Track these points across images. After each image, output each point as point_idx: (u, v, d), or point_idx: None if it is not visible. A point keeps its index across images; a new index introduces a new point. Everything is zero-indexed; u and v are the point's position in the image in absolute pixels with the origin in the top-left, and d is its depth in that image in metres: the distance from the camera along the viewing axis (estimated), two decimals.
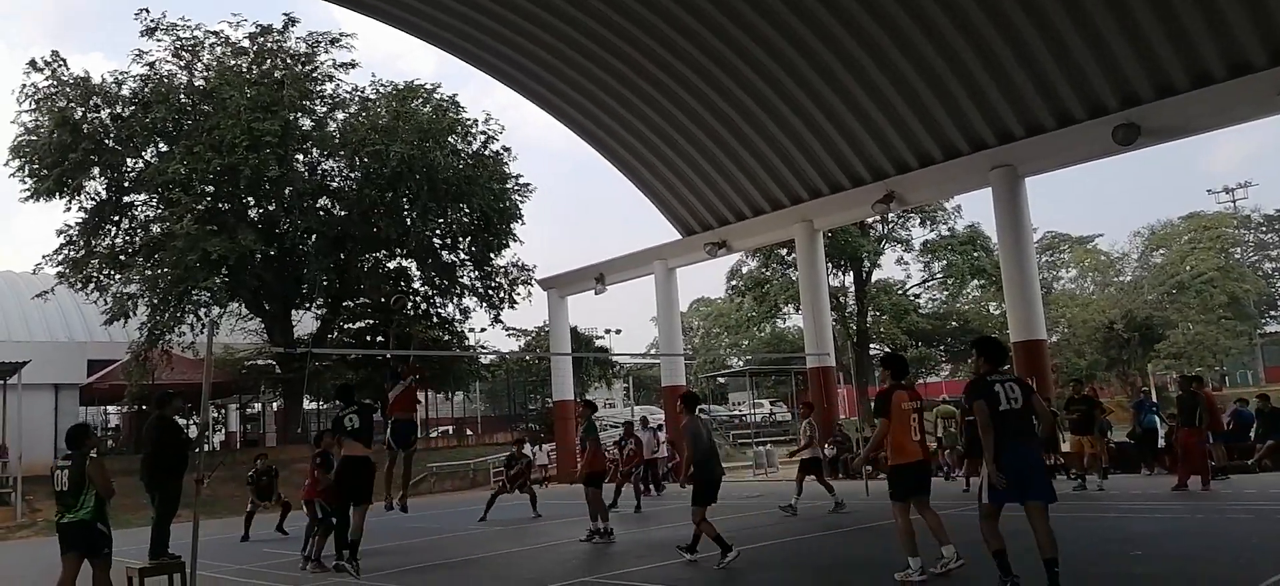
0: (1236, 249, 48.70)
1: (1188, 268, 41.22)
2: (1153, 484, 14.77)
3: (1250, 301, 45.32)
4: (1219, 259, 42.21)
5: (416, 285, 34.39)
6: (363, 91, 31.43)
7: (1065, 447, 16.12)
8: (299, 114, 29.35)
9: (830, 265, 33.91)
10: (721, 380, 52.31)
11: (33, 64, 27.54)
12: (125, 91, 28.22)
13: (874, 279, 40.41)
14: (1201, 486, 13.26)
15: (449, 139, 30.54)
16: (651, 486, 19.92)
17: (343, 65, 30.43)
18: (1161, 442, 16.57)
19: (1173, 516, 10.85)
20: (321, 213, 30.56)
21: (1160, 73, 16.57)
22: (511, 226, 32.54)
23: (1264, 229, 53.07)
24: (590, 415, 13.20)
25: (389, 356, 32.44)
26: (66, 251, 28.81)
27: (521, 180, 32.96)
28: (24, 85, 27.81)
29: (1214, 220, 46.29)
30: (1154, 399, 22.10)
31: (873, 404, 8.33)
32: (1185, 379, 14.96)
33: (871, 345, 42.03)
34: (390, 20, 22.78)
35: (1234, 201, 51.53)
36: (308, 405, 35.46)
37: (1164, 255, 43.99)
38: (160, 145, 28.44)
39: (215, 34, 29.26)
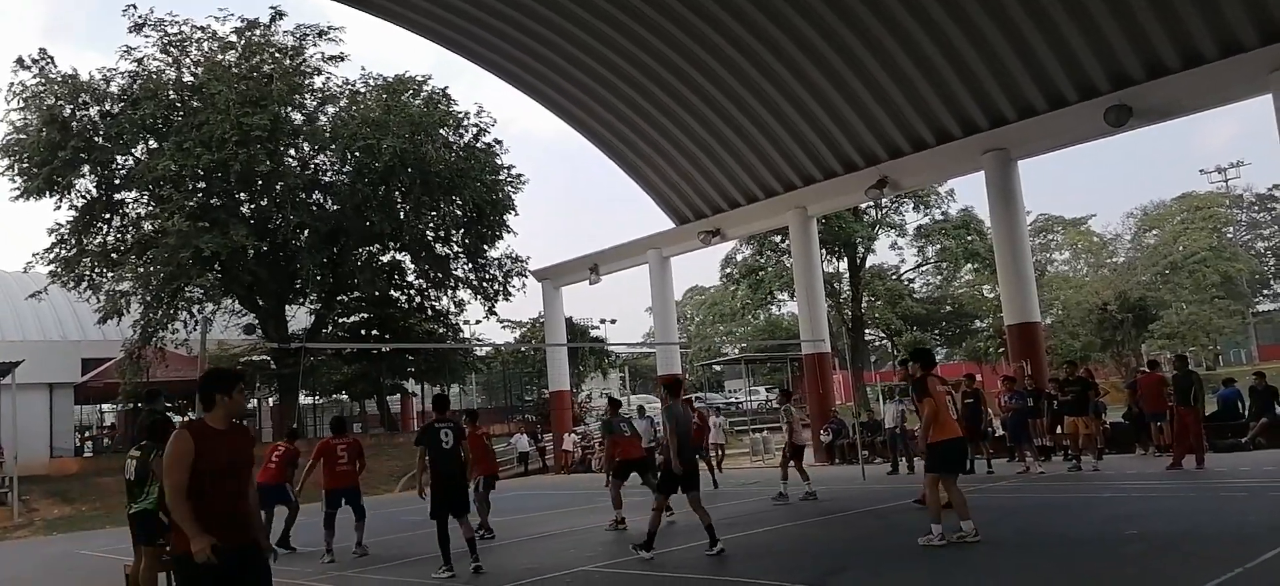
0: (1229, 228, 48.84)
1: (1180, 248, 41.33)
2: (1148, 463, 14.82)
3: (1243, 280, 45.51)
4: (1211, 238, 42.33)
5: (411, 278, 34.37)
6: (353, 85, 31.34)
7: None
8: (289, 108, 29.24)
9: (824, 251, 33.91)
10: (717, 368, 52.36)
11: (20, 62, 27.41)
12: (114, 88, 28.09)
13: (868, 264, 40.44)
14: (1196, 465, 13.31)
15: (440, 131, 30.46)
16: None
17: (332, 58, 30.33)
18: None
19: (1168, 495, 10.89)
20: (314, 207, 30.47)
21: (1151, 53, 16.56)
22: (505, 218, 32.54)
23: (1256, 208, 53.21)
24: (613, 412, 13.75)
25: (385, 350, 32.70)
26: (58, 250, 28.71)
27: (514, 172, 32.97)
28: (12, 84, 27.73)
29: (1206, 200, 46.39)
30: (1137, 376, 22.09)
31: (912, 390, 8.98)
32: (1180, 359, 14.99)
33: (866, 330, 42.10)
34: (379, 11, 22.65)
35: (1226, 181, 51.69)
36: (304, 400, 35.43)
37: (1157, 236, 44.09)
38: (150, 142, 28.32)
39: (202, 29, 29.14)
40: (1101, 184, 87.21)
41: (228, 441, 4.48)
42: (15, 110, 27.65)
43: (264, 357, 32.41)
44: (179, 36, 28.72)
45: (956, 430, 8.63)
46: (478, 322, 79.97)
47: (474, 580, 8.71)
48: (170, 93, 28.23)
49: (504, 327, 41.83)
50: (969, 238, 38.51)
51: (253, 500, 4.69)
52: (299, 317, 34.44)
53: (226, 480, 4.39)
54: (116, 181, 28.79)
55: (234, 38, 29.15)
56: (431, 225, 32.18)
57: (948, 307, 43.40)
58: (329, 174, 31.21)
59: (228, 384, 4.63)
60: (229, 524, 4.33)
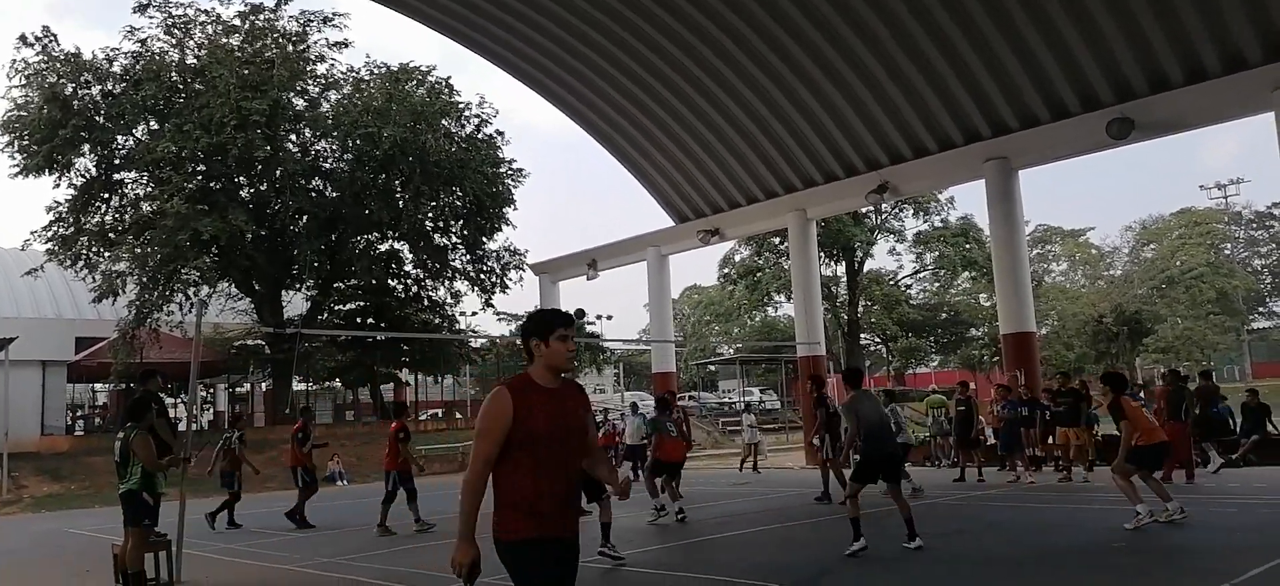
0: (1226, 245, 48.96)
1: (1178, 263, 41.46)
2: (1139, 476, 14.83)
3: (1239, 297, 45.60)
4: (1209, 255, 42.47)
5: (408, 267, 34.36)
6: (357, 73, 31.29)
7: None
8: (290, 94, 29.17)
9: (823, 254, 33.93)
10: (712, 368, 52.38)
11: (23, 39, 27.30)
12: (116, 68, 28.01)
13: (866, 269, 40.51)
14: (1186, 479, 13.34)
15: (442, 122, 30.43)
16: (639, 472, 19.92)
17: (335, 45, 30.29)
18: None
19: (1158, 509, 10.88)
20: (313, 193, 30.43)
21: (1155, 66, 16.56)
22: (504, 210, 32.52)
23: (1254, 225, 53.28)
24: (661, 412, 13.74)
25: (380, 338, 32.67)
26: (56, 228, 28.61)
27: (515, 164, 32.95)
28: (14, 61, 27.61)
29: (1204, 216, 46.52)
30: (1142, 393, 22.17)
31: (1111, 413, 9.78)
32: (1172, 372, 15.02)
33: (862, 335, 42.16)
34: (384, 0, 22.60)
35: (1226, 197, 51.76)
36: (297, 386, 35.37)
37: (1154, 250, 44.21)
38: (151, 123, 28.24)
39: (206, 12, 29.10)
40: (1101, 196, 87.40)
41: (556, 402, 3.53)
42: (17, 87, 27.55)
43: (259, 342, 32.36)
44: (183, 18, 28.67)
45: (1161, 434, 9.43)
46: (474, 314, 79.90)
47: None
48: (173, 74, 28.17)
49: (500, 320, 41.83)
50: (967, 246, 38.60)
51: (605, 472, 3.96)
52: (295, 303, 34.41)
53: (550, 449, 3.45)
54: (116, 161, 28.71)
55: (238, 21, 29.11)
56: (430, 215, 32.14)
57: (944, 314, 43.48)
58: (329, 161, 31.18)
59: (545, 327, 3.58)
60: (551, 508, 3.44)
